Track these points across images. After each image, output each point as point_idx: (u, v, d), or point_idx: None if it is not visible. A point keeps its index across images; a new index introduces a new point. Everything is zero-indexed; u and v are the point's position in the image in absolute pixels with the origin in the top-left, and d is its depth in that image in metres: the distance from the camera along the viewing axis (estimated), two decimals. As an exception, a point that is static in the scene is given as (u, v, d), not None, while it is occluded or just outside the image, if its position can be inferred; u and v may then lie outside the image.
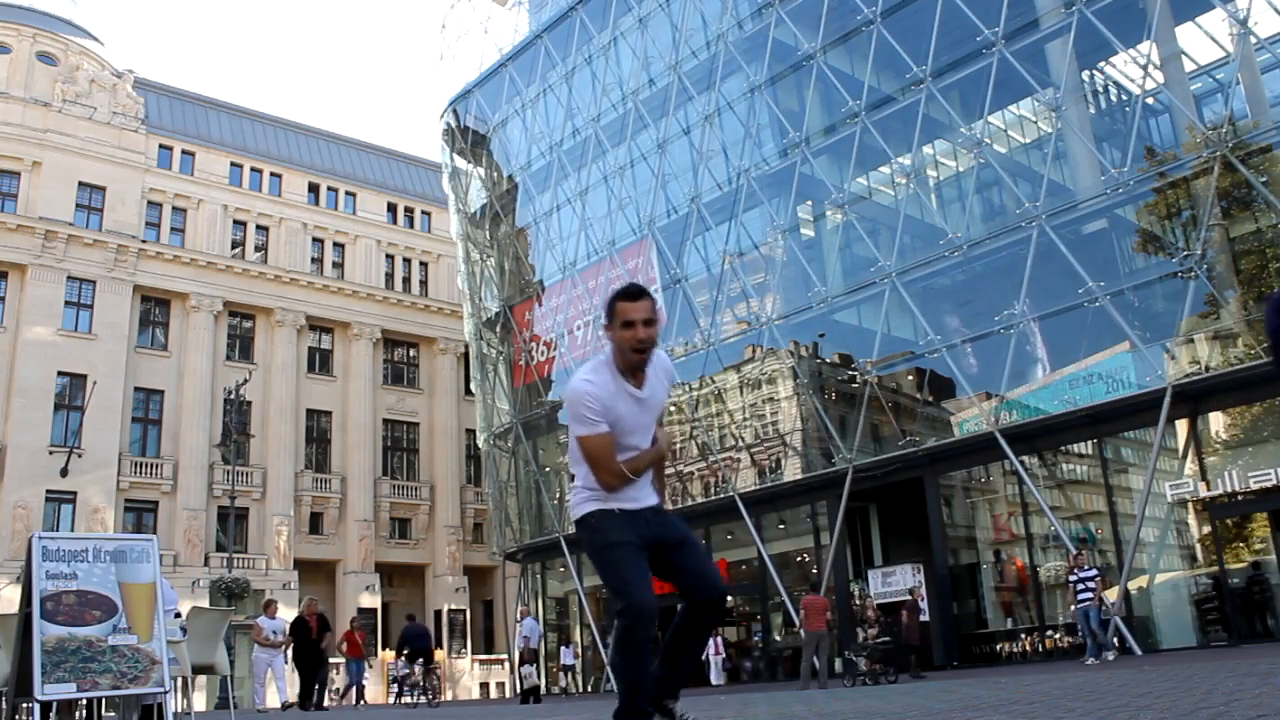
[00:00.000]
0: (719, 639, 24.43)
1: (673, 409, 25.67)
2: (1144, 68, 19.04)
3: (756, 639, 25.48)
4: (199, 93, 42.50)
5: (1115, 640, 16.39)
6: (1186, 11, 19.35)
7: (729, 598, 25.62)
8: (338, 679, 27.13)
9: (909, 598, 18.47)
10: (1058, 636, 19.07)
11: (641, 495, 3.65)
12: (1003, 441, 18.95)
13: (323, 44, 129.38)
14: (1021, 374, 20.18)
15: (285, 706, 16.62)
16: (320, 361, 40.89)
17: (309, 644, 16.37)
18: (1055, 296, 18.89)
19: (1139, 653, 16.69)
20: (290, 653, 16.61)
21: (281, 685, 17.33)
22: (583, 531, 3.66)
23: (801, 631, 17.47)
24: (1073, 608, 15.64)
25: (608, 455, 3.52)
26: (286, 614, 21.14)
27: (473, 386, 37.18)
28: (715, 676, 24.14)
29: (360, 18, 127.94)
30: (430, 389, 42.92)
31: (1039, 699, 4.65)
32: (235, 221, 39.70)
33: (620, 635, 3.45)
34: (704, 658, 24.74)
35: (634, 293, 3.55)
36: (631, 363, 3.52)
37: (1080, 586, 15.22)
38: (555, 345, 30.04)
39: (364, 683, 21.33)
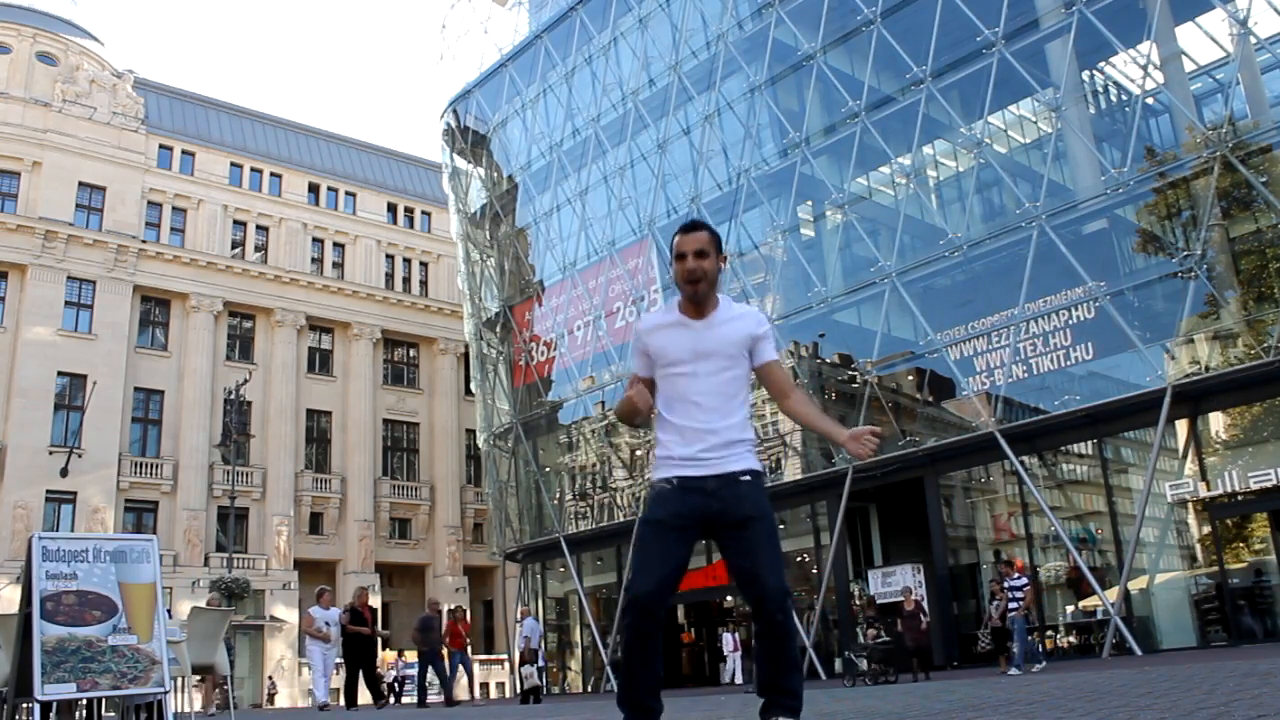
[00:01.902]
0: (734, 635, 24.34)
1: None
2: (1144, 68, 19.04)
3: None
4: (199, 93, 42.54)
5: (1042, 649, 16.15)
6: (1186, 11, 19.35)
7: (729, 598, 25.67)
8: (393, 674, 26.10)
9: (902, 599, 18.40)
10: (1058, 636, 19.07)
11: (710, 458, 3.32)
12: (1003, 441, 18.95)
13: (323, 44, 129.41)
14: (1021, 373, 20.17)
15: (322, 707, 14.86)
16: (320, 361, 40.90)
17: (362, 636, 14.84)
18: (1055, 297, 18.88)
19: (1139, 653, 16.69)
20: (341, 646, 14.98)
21: (323, 682, 15.34)
22: None
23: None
24: (995, 614, 15.59)
25: (633, 387, 3.48)
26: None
27: (473, 386, 37.18)
28: (726, 675, 24.02)
29: (360, 18, 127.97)
30: (430, 389, 42.93)
31: (1039, 699, 4.65)
32: (235, 221, 39.73)
33: (620, 622, 3.33)
34: (724, 654, 24.67)
35: (689, 225, 3.48)
36: (686, 295, 3.43)
37: (1010, 595, 15.18)
38: (555, 345, 30.04)
39: (464, 676, 19.55)
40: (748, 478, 3.34)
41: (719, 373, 3.41)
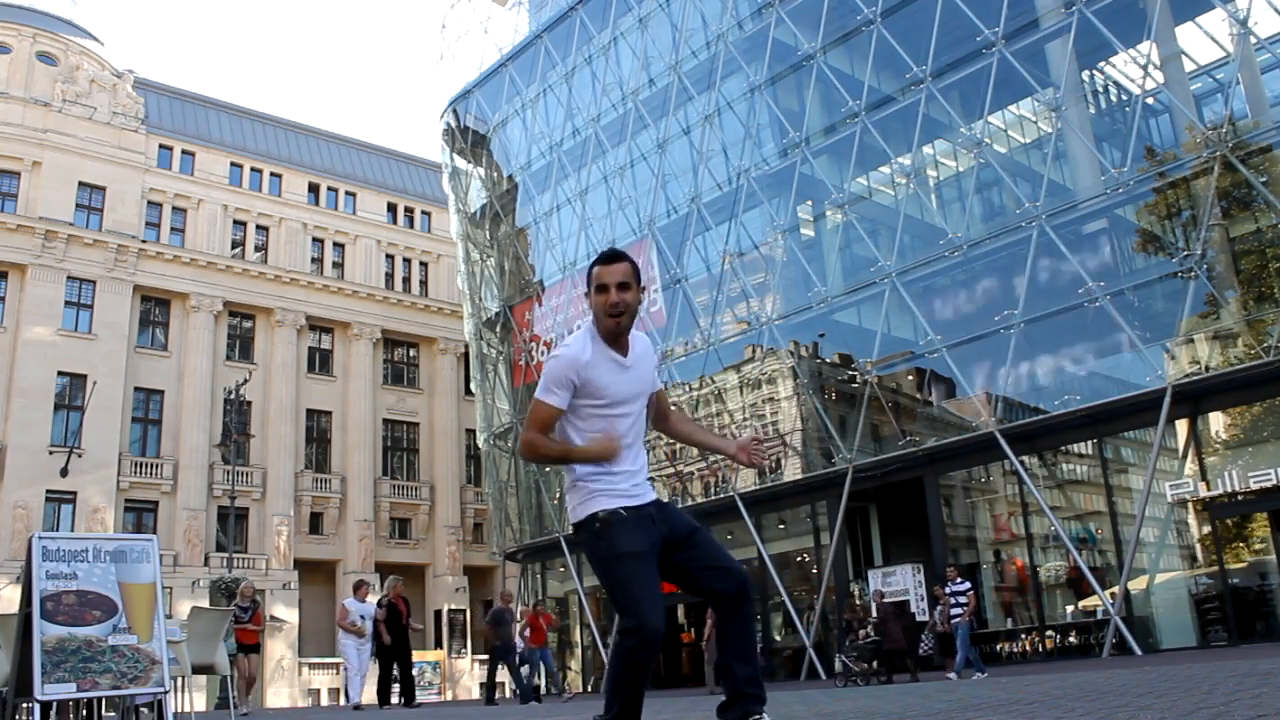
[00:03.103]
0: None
1: (672, 407, 25.62)
2: (1144, 68, 19.04)
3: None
4: (199, 93, 42.52)
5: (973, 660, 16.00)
6: (1186, 11, 19.35)
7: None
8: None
9: (887, 602, 18.33)
10: (1058, 636, 19.07)
11: (640, 489, 3.36)
12: (1003, 441, 18.96)
13: (323, 44, 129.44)
14: (1021, 373, 20.18)
15: (356, 707, 13.93)
16: (320, 361, 40.89)
17: (397, 631, 13.99)
18: (1055, 296, 18.90)
19: (1139, 653, 16.69)
20: (387, 635, 14.00)
21: (358, 681, 14.35)
22: (584, 535, 3.34)
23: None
24: (938, 620, 15.50)
25: (547, 427, 3.36)
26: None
27: (473, 386, 37.19)
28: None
29: (360, 18, 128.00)
30: (430, 389, 42.93)
31: (1039, 699, 4.65)
32: (235, 221, 39.71)
33: (624, 654, 3.22)
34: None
35: (609, 256, 3.38)
36: (608, 328, 3.33)
37: (953, 601, 15.10)
38: (555, 345, 30.02)
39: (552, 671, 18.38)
40: (664, 502, 3.47)
41: (642, 412, 3.49)
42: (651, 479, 3.52)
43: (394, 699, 14.54)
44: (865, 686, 14.07)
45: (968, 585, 15.40)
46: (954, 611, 15.02)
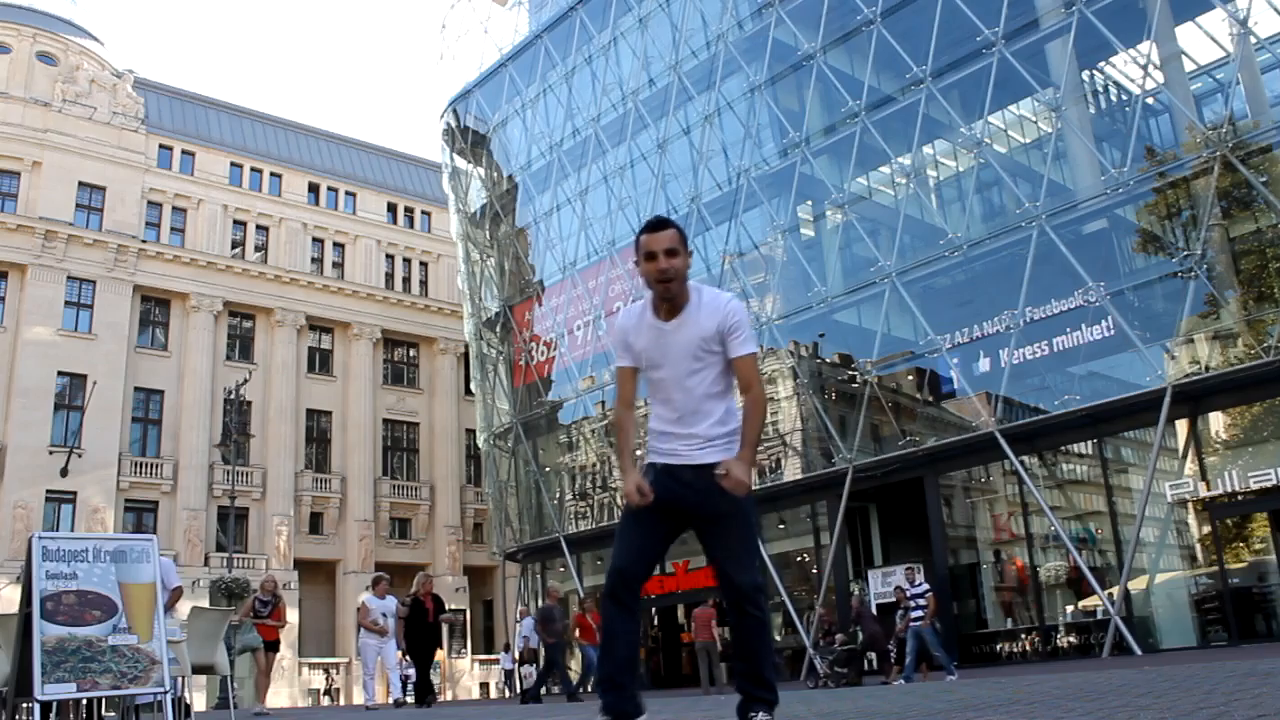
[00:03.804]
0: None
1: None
2: (1144, 68, 19.04)
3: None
4: (199, 93, 42.52)
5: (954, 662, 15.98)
6: (1186, 11, 19.35)
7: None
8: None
9: (862, 604, 18.19)
10: (1058, 636, 19.07)
11: (688, 449, 3.43)
12: (1003, 441, 18.95)
13: (323, 44, 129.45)
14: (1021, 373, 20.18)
15: (369, 708, 13.61)
16: (320, 361, 40.89)
17: (425, 629, 13.56)
18: (1055, 296, 18.89)
19: (1139, 653, 16.69)
20: (402, 639, 13.71)
21: (393, 677, 14.18)
22: None
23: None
24: (899, 622, 15.34)
25: (625, 391, 3.58)
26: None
27: (473, 386, 37.20)
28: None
29: (360, 18, 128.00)
30: (430, 389, 42.93)
31: (1039, 699, 4.65)
32: (235, 221, 39.71)
33: (601, 599, 3.41)
34: None
35: (655, 224, 3.46)
36: (658, 294, 3.43)
37: (912, 604, 14.94)
38: (555, 345, 30.05)
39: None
40: (714, 469, 3.37)
41: (689, 375, 3.46)
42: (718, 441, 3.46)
43: (402, 696, 14.40)
44: (835, 689, 13.99)
45: (926, 588, 15.21)
46: (913, 615, 14.86)
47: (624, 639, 3.37)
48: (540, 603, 31.06)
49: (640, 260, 3.44)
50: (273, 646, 13.39)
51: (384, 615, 13.41)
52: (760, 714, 3.29)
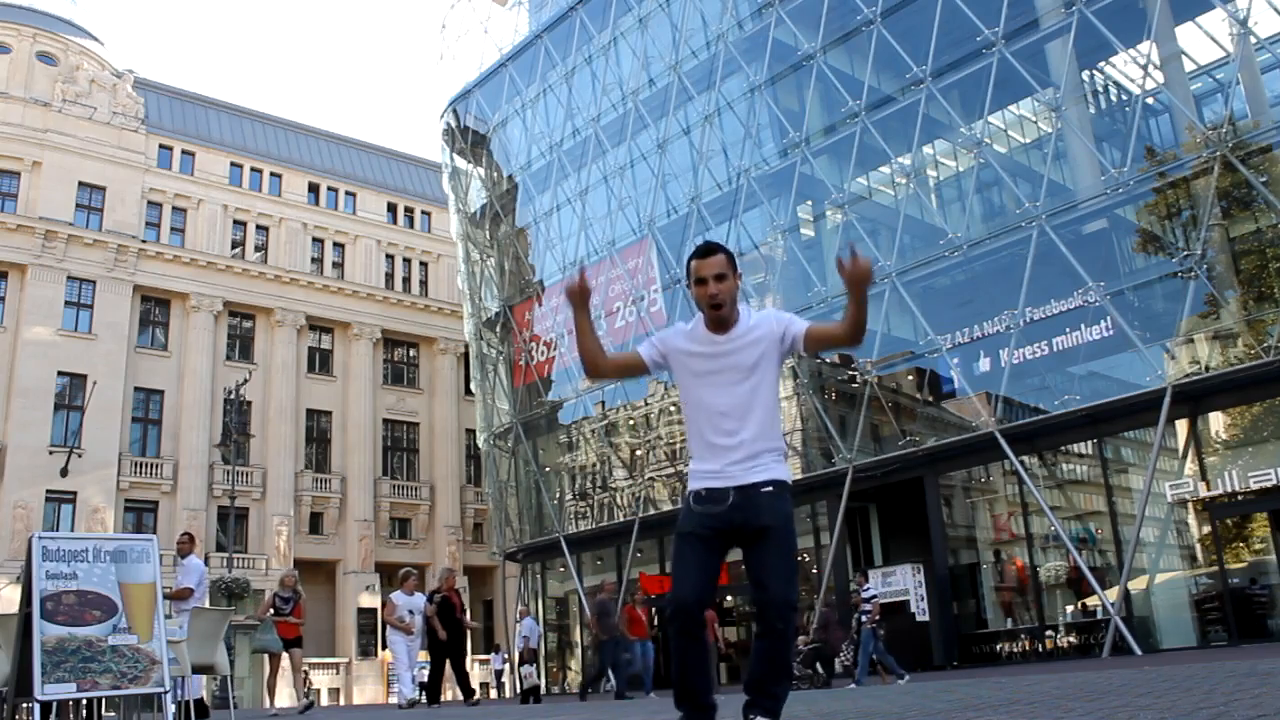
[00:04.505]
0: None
1: (672, 408, 25.65)
2: (1144, 68, 19.03)
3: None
4: (199, 93, 42.53)
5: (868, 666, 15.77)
6: (1186, 11, 19.34)
7: (729, 597, 25.65)
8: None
9: (827, 609, 18.10)
10: (1058, 636, 19.07)
11: (733, 471, 3.47)
12: (1003, 441, 18.95)
13: (323, 44, 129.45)
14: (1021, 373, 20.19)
15: (410, 704, 13.07)
16: (320, 361, 40.90)
17: (450, 625, 13.00)
18: (1055, 296, 18.89)
19: (1139, 653, 16.69)
20: (426, 637, 13.14)
21: (408, 676, 13.38)
22: None
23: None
24: (854, 626, 15.27)
25: (624, 357, 3.81)
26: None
27: (473, 386, 37.19)
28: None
29: (360, 18, 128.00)
30: (430, 389, 42.93)
31: (1039, 699, 4.65)
32: (235, 221, 39.72)
33: (668, 630, 3.47)
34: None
35: (705, 250, 3.59)
36: (711, 318, 3.56)
37: (865, 607, 14.84)
38: (555, 345, 30.03)
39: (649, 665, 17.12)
40: (769, 489, 3.47)
41: (738, 384, 3.52)
42: (756, 460, 3.49)
43: (416, 697, 13.94)
44: (802, 691, 13.95)
45: (873, 591, 15.26)
46: (862, 619, 14.86)
47: (697, 668, 3.45)
48: (540, 602, 31.22)
49: (690, 285, 3.59)
50: (295, 643, 12.98)
51: (410, 612, 12.97)
52: (760, 718, 3.37)
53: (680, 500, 24.41)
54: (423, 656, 14.16)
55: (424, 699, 13.74)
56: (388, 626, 13.14)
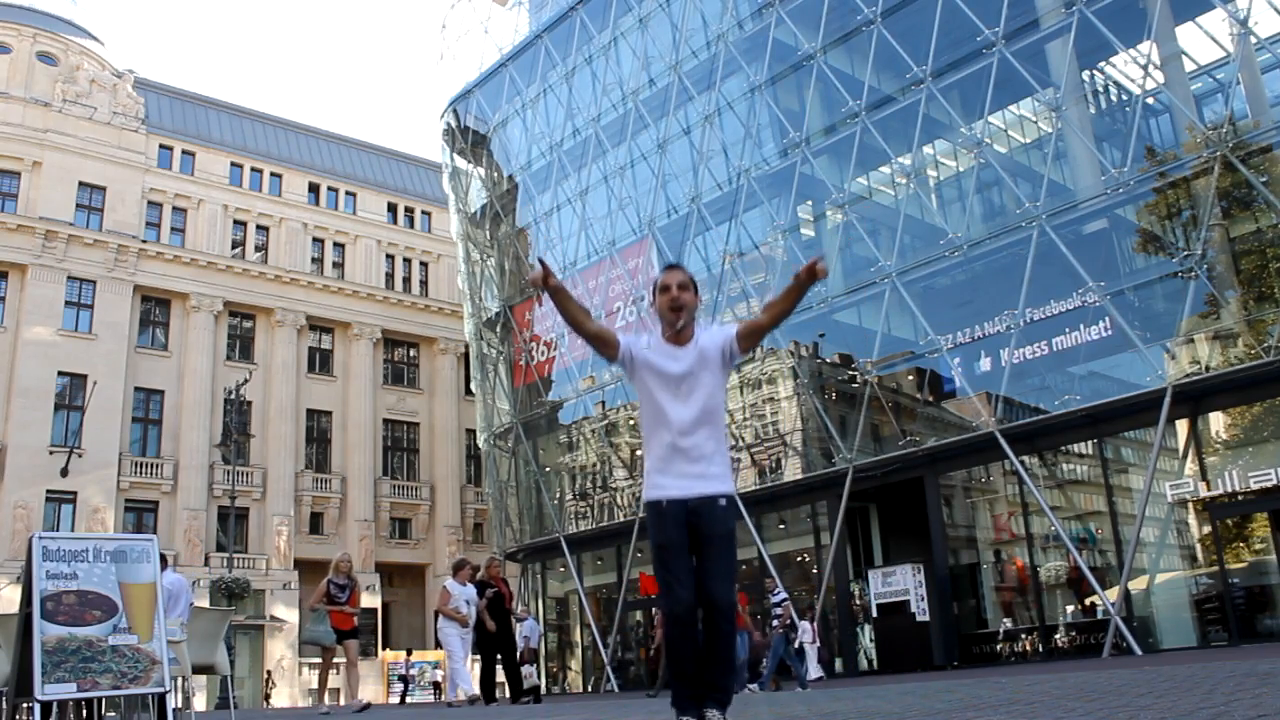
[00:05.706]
0: (813, 625, 19.45)
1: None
2: (1144, 68, 19.03)
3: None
4: (199, 93, 42.54)
5: (817, 672, 15.57)
6: (1186, 11, 19.34)
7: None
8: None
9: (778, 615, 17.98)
10: (1058, 636, 19.07)
11: (692, 482, 3.75)
12: (1003, 441, 18.95)
13: (323, 44, 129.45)
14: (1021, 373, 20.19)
15: (471, 701, 11.97)
16: (320, 361, 40.90)
17: (499, 616, 12.30)
18: (1055, 296, 18.88)
19: (1139, 653, 16.69)
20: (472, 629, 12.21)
21: (465, 672, 12.27)
22: (647, 519, 3.88)
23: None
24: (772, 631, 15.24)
25: (604, 329, 3.94)
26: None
27: (473, 386, 37.19)
28: (813, 671, 18.69)
29: (360, 18, 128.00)
30: (430, 389, 42.94)
31: (1039, 699, 4.65)
32: (235, 221, 39.74)
33: (664, 633, 3.75)
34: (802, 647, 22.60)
35: (672, 265, 3.95)
36: (670, 322, 3.79)
37: (775, 611, 14.84)
38: (555, 345, 30.04)
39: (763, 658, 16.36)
40: (724, 502, 3.78)
41: (696, 396, 3.77)
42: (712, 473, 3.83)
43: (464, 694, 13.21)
44: (738, 693, 13.89)
45: (782, 597, 15.32)
46: (774, 624, 14.87)
47: (693, 659, 3.71)
48: (540, 602, 31.21)
49: (656, 295, 3.83)
50: (351, 635, 11.82)
51: (466, 603, 12.00)
52: (713, 711, 3.64)
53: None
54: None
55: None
56: (440, 617, 12.10)
